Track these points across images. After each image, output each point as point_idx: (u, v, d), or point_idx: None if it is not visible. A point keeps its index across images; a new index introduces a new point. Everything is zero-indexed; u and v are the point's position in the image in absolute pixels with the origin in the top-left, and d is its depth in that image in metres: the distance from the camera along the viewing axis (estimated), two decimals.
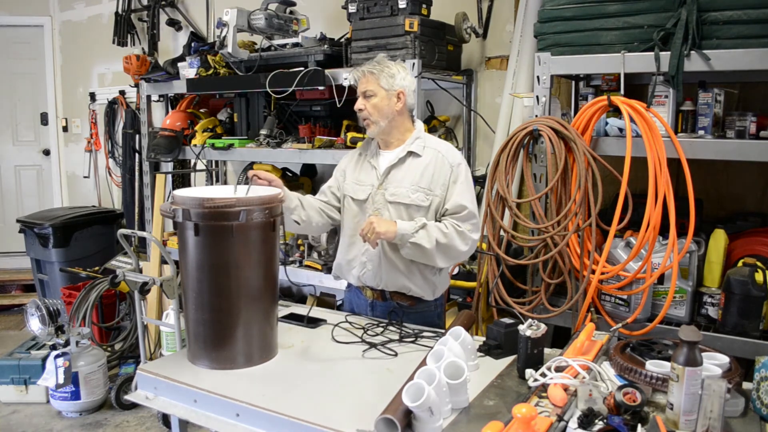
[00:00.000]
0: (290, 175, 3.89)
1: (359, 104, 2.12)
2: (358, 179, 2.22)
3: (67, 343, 3.23)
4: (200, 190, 2.00)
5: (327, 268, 3.23)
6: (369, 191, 2.16)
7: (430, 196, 2.08)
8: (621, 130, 2.39)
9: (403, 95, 2.11)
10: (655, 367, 1.49)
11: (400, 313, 2.13)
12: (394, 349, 1.87)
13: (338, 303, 3.74)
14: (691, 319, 2.37)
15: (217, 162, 4.47)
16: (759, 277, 2.18)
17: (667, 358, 1.48)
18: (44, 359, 3.34)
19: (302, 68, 3.15)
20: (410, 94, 2.14)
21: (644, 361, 1.54)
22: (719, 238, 2.39)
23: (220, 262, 1.75)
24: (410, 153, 2.13)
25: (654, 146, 2.21)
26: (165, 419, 3.13)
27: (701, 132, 2.32)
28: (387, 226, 1.95)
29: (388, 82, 2.09)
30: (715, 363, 1.49)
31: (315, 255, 3.37)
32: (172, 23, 4.72)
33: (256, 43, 3.62)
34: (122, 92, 5.15)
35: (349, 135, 3.11)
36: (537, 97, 2.55)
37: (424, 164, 2.11)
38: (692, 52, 2.18)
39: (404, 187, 2.10)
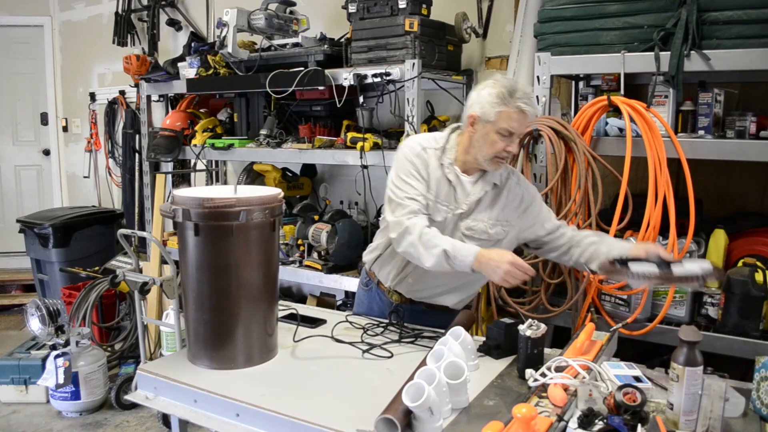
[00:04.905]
0: (290, 175, 3.89)
1: (517, 148, 1.85)
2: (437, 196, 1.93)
3: (67, 343, 3.23)
4: (200, 190, 2.00)
5: (327, 268, 3.23)
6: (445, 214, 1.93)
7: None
8: (621, 130, 2.39)
9: None
10: (639, 267, 1.62)
11: (402, 312, 2.13)
12: (390, 350, 1.87)
13: (338, 303, 3.74)
14: (691, 319, 2.36)
15: (217, 162, 4.47)
16: (759, 277, 2.18)
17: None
18: (44, 359, 3.33)
19: (302, 68, 3.15)
20: None
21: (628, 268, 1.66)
22: (719, 238, 2.39)
23: (220, 262, 1.75)
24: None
25: (654, 146, 2.21)
26: (165, 419, 3.12)
27: (701, 132, 2.32)
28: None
29: None
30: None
31: (315, 255, 3.37)
32: (172, 23, 4.71)
33: (256, 43, 3.62)
34: (122, 92, 5.15)
35: (349, 135, 3.11)
36: (537, 97, 2.55)
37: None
38: (692, 52, 2.18)
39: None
